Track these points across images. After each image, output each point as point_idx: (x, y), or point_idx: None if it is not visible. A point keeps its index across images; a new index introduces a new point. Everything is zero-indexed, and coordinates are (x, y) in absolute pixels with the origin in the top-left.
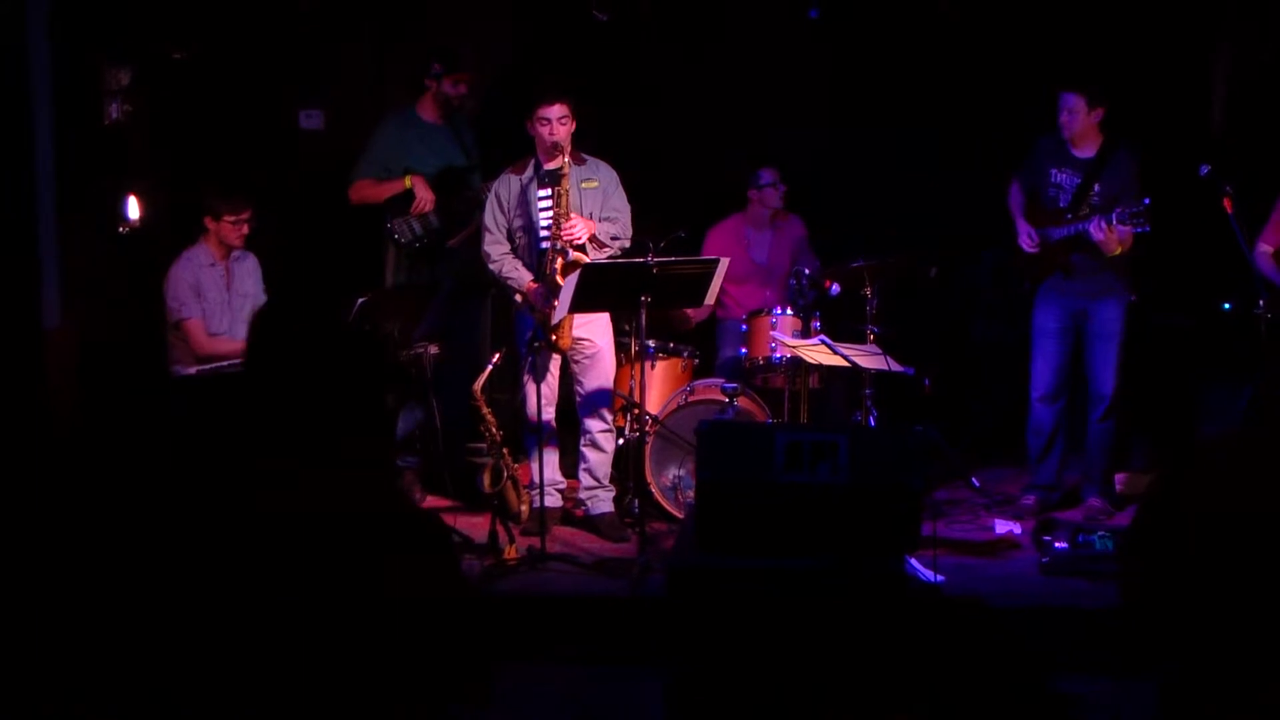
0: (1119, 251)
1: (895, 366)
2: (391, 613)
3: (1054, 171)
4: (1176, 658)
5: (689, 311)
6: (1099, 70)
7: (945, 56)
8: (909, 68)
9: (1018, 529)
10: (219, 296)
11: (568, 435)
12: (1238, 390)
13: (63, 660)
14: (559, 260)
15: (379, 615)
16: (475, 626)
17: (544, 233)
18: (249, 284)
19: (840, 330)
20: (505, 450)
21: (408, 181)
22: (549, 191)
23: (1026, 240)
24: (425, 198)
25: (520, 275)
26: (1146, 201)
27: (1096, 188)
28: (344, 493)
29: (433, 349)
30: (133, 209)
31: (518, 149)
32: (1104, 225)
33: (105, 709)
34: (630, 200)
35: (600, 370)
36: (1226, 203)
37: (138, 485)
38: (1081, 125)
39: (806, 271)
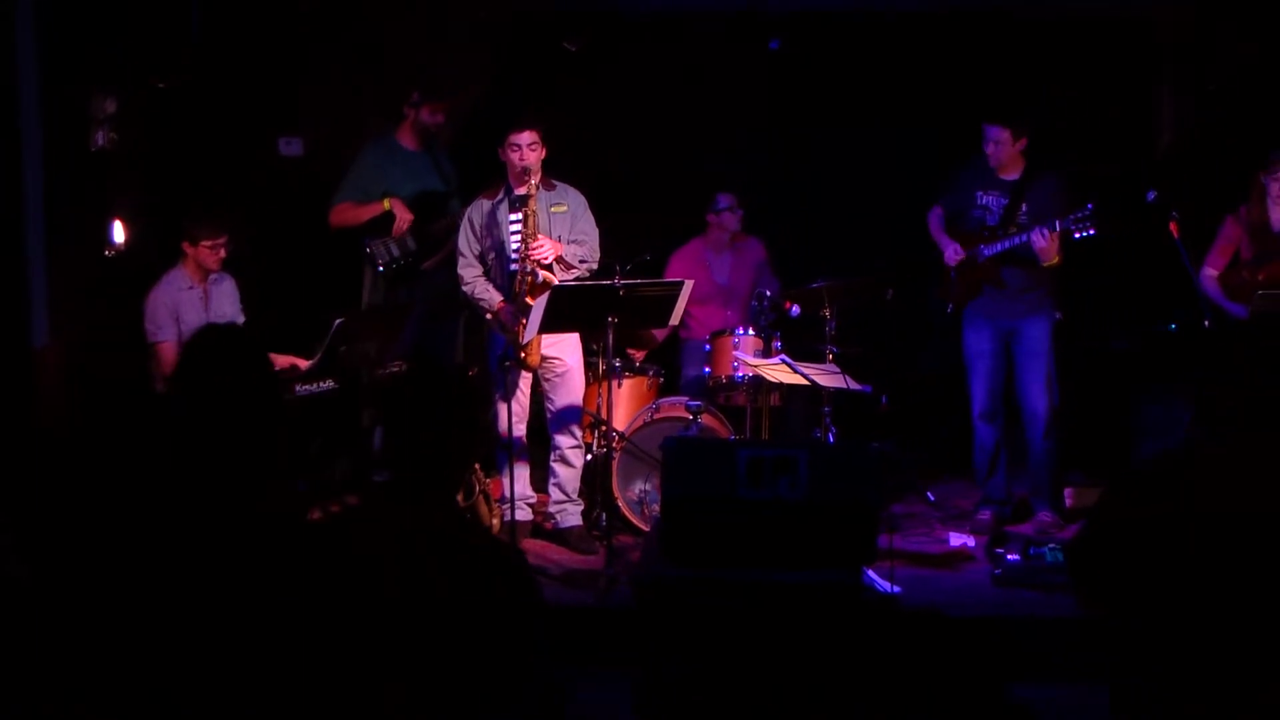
0: (1056, 261)
1: (853, 385)
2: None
3: (980, 194)
4: (1130, 661)
5: (653, 331)
6: (1010, 98)
7: (900, 84)
8: (868, 94)
9: (971, 542)
10: (197, 318)
11: (538, 451)
12: (1182, 408)
13: (62, 661)
14: (528, 280)
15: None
16: (544, 640)
17: (514, 255)
18: (226, 305)
19: (800, 350)
20: (477, 465)
21: (386, 203)
22: (519, 215)
23: (953, 253)
24: (404, 218)
25: (491, 296)
26: (1090, 206)
27: (1024, 206)
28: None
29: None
30: (118, 232)
31: (497, 175)
32: (1046, 233)
33: (106, 709)
34: (597, 224)
35: (570, 388)
36: (1173, 227)
37: (125, 499)
38: (1007, 155)
39: (768, 293)
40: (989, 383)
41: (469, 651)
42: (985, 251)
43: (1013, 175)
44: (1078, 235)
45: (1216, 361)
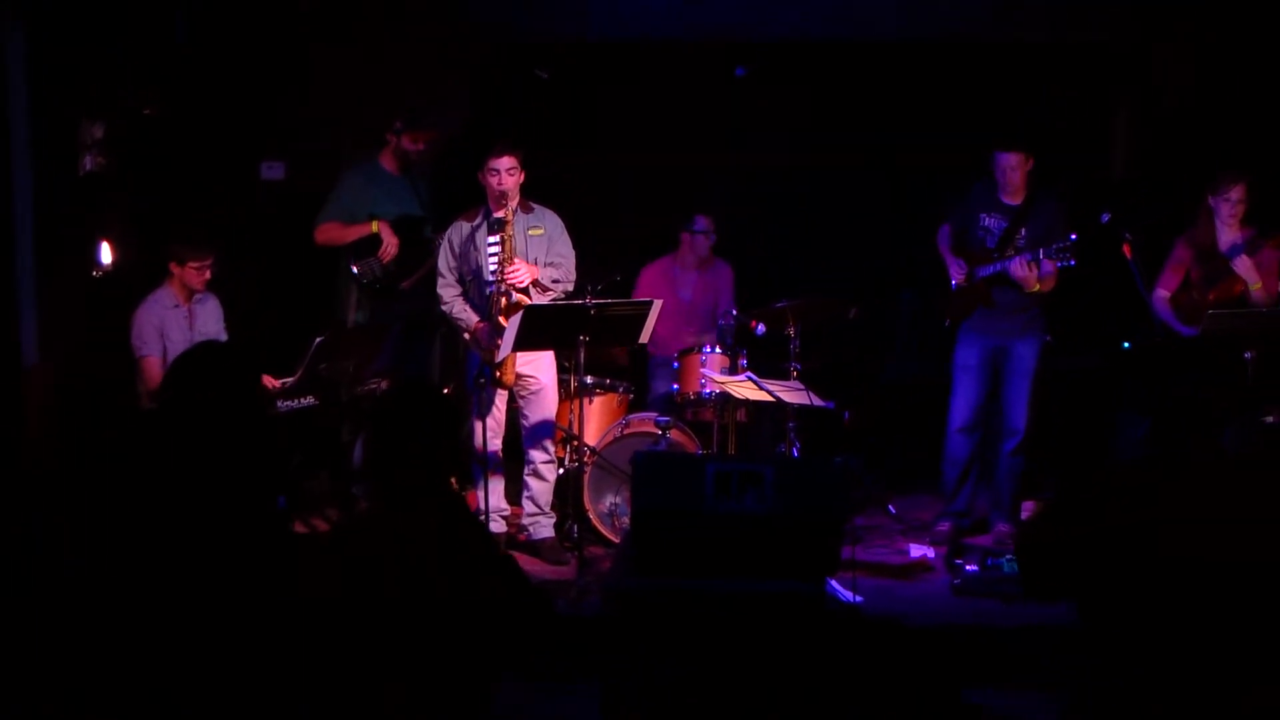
0: (1038, 289)
1: (817, 401)
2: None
3: (983, 216)
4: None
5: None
6: (1017, 123)
7: (862, 109)
8: (834, 118)
9: (931, 553)
10: (182, 336)
11: (512, 465)
12: (1136, 424)
13: (63, 661)
14: (503, 301)
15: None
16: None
17: (491, 276)
18: (211, 324)
19: (766, 367)
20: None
21: (374, 226)
22: (497, 238)
23: (957, 273)
24: (391, 242)
25: (468, 316)
26: (1074, 237)
27: (1023, 231)
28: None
29: (385, 384)
30: (106, 254)
31: (473, 200)
32: (1024, 263)
33: (106, 709)
34: (574, 246)
35: (544, 404)
36: (1126, 248)
37: (114, 511)
38: (1020, 179)
39: (734, 312)
40: (972, 397)
41: (468, 650)
42: (979, 273)
43: (1015, 200)
44: (1059, 264)
45: (1171, 378)
